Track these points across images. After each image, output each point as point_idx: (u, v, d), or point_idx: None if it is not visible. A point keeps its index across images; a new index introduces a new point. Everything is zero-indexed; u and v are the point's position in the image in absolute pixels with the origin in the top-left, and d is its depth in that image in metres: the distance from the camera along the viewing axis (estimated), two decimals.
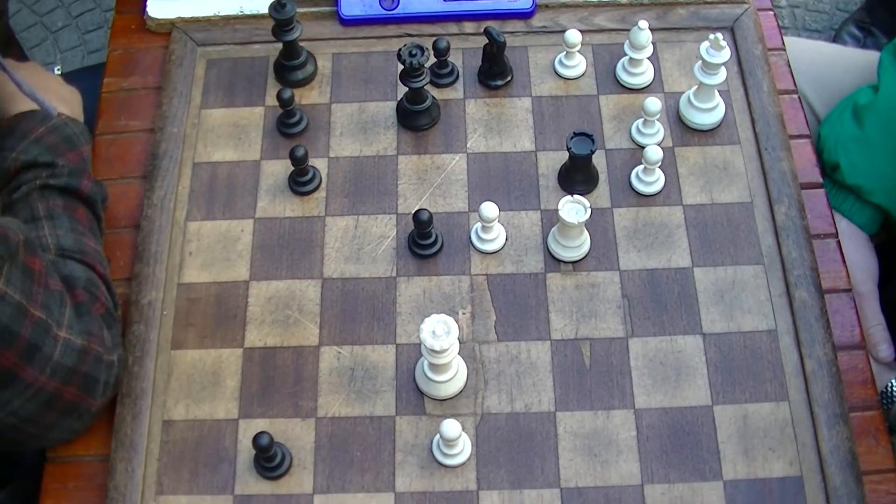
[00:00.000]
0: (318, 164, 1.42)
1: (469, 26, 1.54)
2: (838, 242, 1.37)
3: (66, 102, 1.39)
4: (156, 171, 1.41)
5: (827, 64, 1.70)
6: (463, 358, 1.26)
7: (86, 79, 1.70)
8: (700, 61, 1.38)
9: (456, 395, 1.25)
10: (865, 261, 1.53)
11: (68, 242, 1.24)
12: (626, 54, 1.45)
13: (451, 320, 1.17)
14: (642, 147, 1.39)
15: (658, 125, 1.41)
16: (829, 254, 1.36)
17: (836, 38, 2.68)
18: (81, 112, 1.42)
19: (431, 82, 1.46)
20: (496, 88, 1.48)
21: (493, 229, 1.33)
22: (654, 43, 1.46)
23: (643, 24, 1.41)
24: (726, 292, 1.31)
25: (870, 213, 1.54)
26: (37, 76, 1.41)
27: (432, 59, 1.45)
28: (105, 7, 2.79)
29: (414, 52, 1.36)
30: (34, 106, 1.34)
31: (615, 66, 1.49)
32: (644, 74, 1.47)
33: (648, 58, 1.46)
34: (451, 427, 1.15)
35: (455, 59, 1.50)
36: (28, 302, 1.07)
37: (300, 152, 1.34)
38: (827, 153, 1.53)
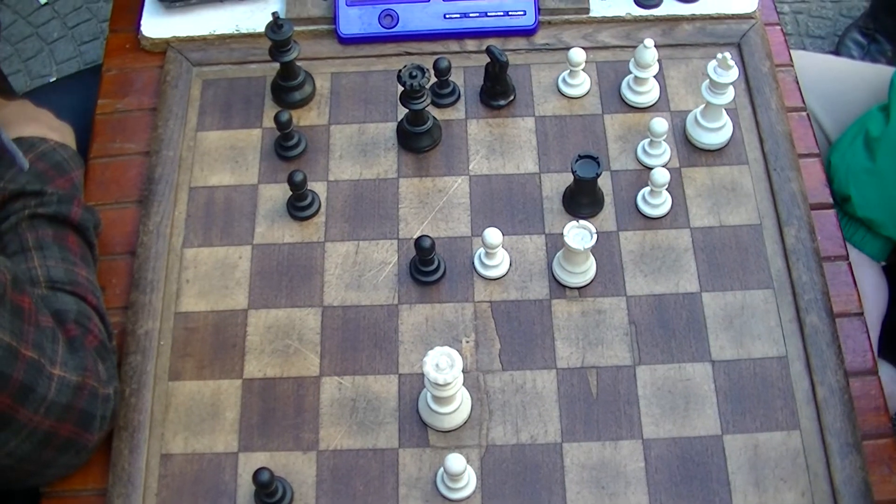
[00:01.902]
0: (318, 187, 1.39)
1: (471, 44, 1.51)
2: (849, 265, 1.34)
3: (57, 132, 1.36)
4: (151, 195, 1.38)
5: (835, 79, 1.67)
6: (467, 388, 1.23)
7: (81, 80, 1.69)
8: (707, 80, 1.36)
9: (460, 427, 1.23)
10: (875, 293, 1.50)
11: (59, 274, 1.22)
12: (630, 72, 1.42)
13: (454, 353, 1.14)
14: (649, 168, 1.36)
15: (665, 146, 1.38)
16: (839, 277, 1.33)
17: (839, 45, 2.66)
18: (74, 143, 1.39)
19: (432, 102, 1.43)
20: (498, 108, 1.45)
21: (496, 255, 1.30)
22: (659, 60, 1.43)
23: (649, 42, 1.38)
24: (735, 318, 1.29)
25: (881, 245, 1.52)
26: (27, 112, 1.38)
27: (433, 79, 1.42)
28: (101, 18, 2.76)
29: (414, 73, 1.34)
30: (22, 134, 1.31)
31: (620, 85, 1.46)
32: (650, 93, 1.44)
33: (654, 76, 1.43)
34: (455, 462, 1.13)
35: (456, 78, 1.47)
36: (19, 343, 1.04)
37: (299, 177, 1.31)
38: (837, 184, 1.50)
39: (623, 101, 1.45)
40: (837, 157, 1.52)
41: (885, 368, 1.44)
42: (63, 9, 2.80)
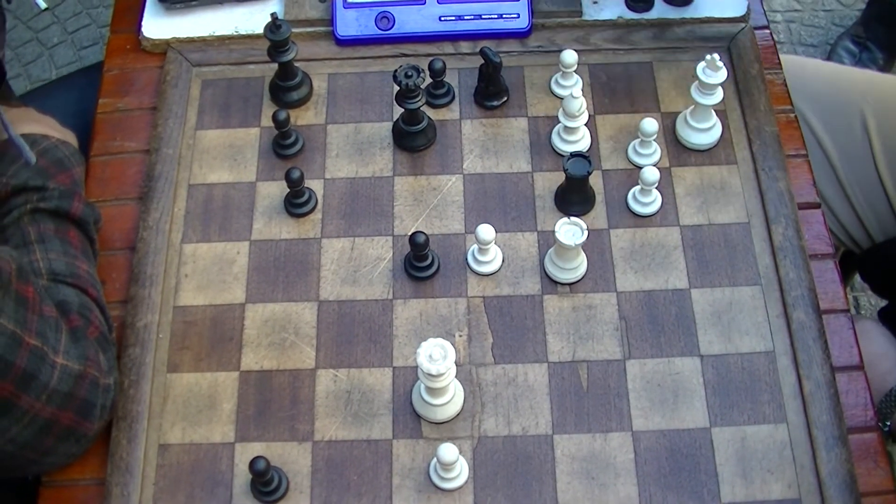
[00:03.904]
0: (314, 185, 1.41)
1: (465, 46, 1.53)
2: (835, 263, 1.37)
3: (60, 134, 1.39)
4: (151, 192, 1.41)
5: (825, 82, 1.70)
6: (460, 380, 1.25)
7: (76, 80, 1.72)
8: (697, 81, 1.38)
9: (453, 419, 1.25)
10: None
11: (60, 266, 1.24)
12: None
13: (447, 344, 1.17)
14: (639, 167, 1.39)
15: (655, 145, 1.41)
16: (826, 274, 1.35)
17: (831, 53, 2.69)
18: (76, 145, 1.41)
19: (427, 103, 1.46)
20: (492, 109, 1.47)
21: (489, 251, 1.33)
22: (649, 63, 1.46)
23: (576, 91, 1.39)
24: (724, 314, 1.31)
25: None
26: (31, 116, 1.40)
27: (428, 80, 1.45)
28: (101, 23, 2.79)
29: (410, 73, 1.36)
30: (24, 131, 1.34)
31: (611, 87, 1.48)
32: None
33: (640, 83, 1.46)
34: (447, 451, 1.15)
35: (451, 79, 1.49)
36: (22, 331, 1.06)
37: (296, 174, 1.34)
38: None
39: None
40: None
41: (880, 339, 1.46)
42: (63, 14, 2.83)
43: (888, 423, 1.36)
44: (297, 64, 1.47)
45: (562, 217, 1.31)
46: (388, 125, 1.47)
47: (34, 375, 1.08)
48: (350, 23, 1.53)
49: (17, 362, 1.06)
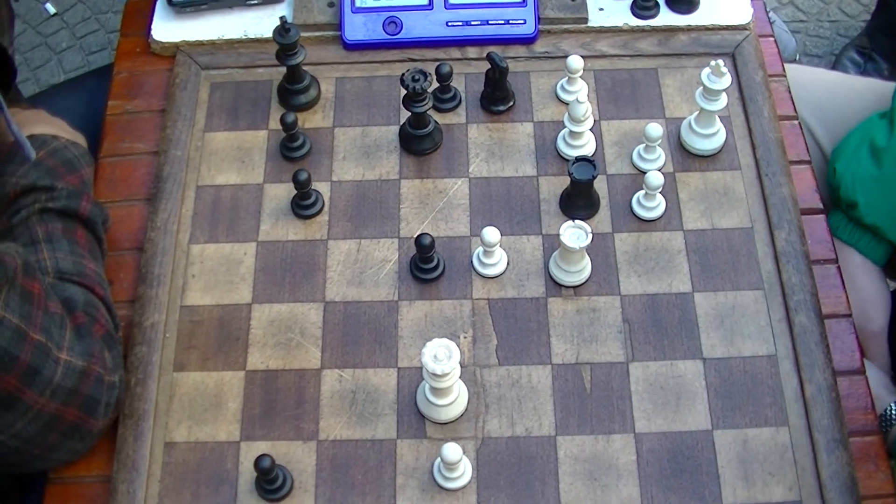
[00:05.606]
0: (321, 187, 1.43)
1: (472, 51, 1.55)
2: (838, 268, 1.38)
3: (70, 135, 1.40)
4: (159, 193, 1.42)
5: (829, 91, 1.71)
6: (464, 382, 1.26)
7: (83, 83, 1.73)
8: (701, 87, 1.39)
9: (457, 419, 1.26)
10: (880, 295, 1.54)
11: (67, 265, 1.25)
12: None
13: (452, 344, 1.18)
14: (643, 172, 1.40)
15: (659, 151, 1.42)
16: (829, 279, 1.36)
17: (836, 64, 2.70)
18: (86, 147, 1.43)
19: (434, 107, 1.47)
20: (498, 113, 1.49)
21: (494, 254, 1.34)
22: (654, 70, 1.47)
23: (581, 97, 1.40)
24: (726, 317, 1.32)
25: (885, 249, 1.55)
26: (41, 118, 1.41)
27: (435, 84, 1.46)
28: (109, 28, 2.81)
29: (417, 76, 1.37)
30: (34, 131, 1.35)
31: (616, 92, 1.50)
32: None
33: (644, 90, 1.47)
34: (451, 450, 1.16)
35: (458, 83, 1.51)
36: (27, 325, 1.08)
37: (303, 176, 1.35)
38: (844, 190, 1.53)
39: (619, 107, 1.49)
40: (843, 164, 1.54)
41: (871, 371, 1.47)
42: (72, 19, 2.85)
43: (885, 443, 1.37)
44: (305, 67, 1.49)
45: (566, 221, 1.32)
46: (395, 129, 1.48)
47: (38, 370, 1.09)
48: (358, 27, 1.54)
49: (22, 357, 1.07)
